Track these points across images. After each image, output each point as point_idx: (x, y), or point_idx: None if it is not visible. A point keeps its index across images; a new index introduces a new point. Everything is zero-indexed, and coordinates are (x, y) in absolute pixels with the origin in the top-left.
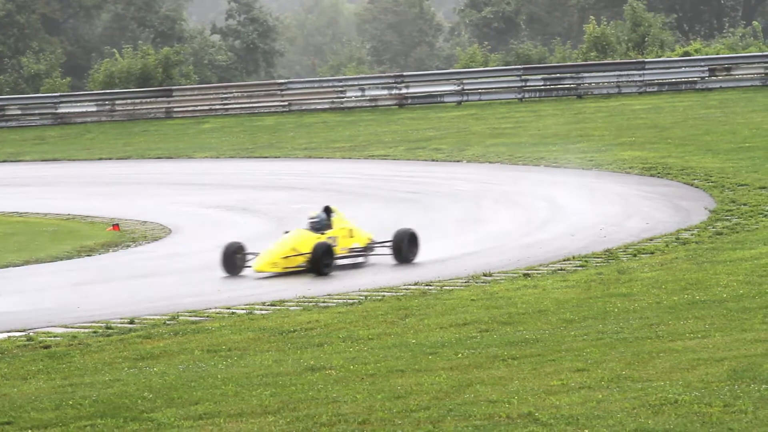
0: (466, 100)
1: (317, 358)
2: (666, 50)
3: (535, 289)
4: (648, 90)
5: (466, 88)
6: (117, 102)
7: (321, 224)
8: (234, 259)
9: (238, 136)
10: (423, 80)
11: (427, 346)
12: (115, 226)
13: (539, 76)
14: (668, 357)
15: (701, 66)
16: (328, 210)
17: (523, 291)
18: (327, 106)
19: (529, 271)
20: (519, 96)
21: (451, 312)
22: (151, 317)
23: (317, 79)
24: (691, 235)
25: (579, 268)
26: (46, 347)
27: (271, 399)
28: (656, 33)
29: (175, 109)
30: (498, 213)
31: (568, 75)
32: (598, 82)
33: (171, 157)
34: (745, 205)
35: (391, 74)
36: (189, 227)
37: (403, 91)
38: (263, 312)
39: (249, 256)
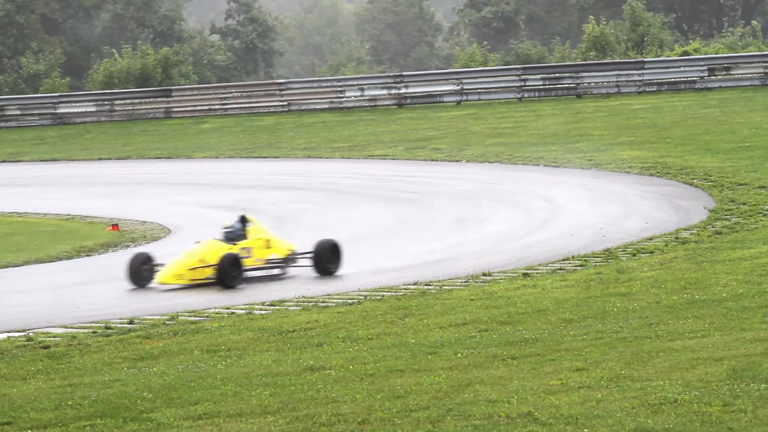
0: (466, 100)
1: (317, 358)
2: (665, 50)
3: (534, 289)
4: (647, 90)
5: (465, 87)
6: (116, 102)
7: (234, 234)
8: (141, 271)
9: (237, 136)
10: (422, 80)
11: (427, 346)
12: (115, 226)
13: (538, 76)
14: (668, 356)
15: (700, 65)
16: (243, 219)
17: (522, 291)
18: (326, 106)
19: (529, 271)
20: (518, 96)
21: (451, 312)
22: (151, 317)
23: (316, 79)
24: (691, 234)
25: (578, 268)
26: (45, 347)
27: (271, 399)
28: (655, 33)
29: (175, 109)
30: (497, 213)
31: (568, 75)
32: (598, 82)
33: (170, 157)
34: (744, 204)
35: (391, 74)
36: (188, 227)
37: (403, 90)
38: (262, 312)
39: (157, 268)
